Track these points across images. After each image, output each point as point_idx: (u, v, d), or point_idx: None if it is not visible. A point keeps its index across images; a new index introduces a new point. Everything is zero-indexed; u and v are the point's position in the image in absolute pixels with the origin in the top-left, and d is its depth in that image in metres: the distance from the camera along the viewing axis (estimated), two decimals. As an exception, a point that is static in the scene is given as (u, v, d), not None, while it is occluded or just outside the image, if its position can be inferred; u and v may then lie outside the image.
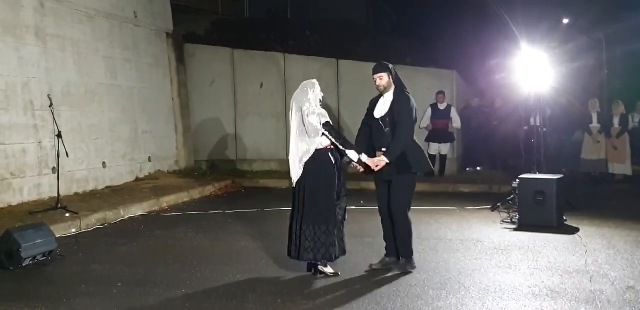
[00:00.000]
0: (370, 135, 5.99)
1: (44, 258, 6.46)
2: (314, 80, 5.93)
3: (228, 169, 13.81)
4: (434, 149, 12.67)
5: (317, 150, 5.73)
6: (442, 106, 12.57)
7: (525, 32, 10.28)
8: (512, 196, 8.78)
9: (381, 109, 5.93)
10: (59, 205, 8.55)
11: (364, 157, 5.76)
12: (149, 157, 12.53)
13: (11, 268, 6.14)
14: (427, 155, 6.03)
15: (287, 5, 20.53)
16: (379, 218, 6.05)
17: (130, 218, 9.08)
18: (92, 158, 10.77)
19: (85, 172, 10.57)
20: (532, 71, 8.99)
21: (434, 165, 11.98)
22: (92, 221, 8.42)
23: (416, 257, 6.01)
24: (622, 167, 12.26)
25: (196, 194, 11.25)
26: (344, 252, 5.85)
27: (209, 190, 11.73)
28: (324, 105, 5.97)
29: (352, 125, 13.11)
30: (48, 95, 9.09)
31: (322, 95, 5.89)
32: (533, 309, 4.82)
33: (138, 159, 12.17)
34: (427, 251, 6.69)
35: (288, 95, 13.59)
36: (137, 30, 12.38)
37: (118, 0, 11.77)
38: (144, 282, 5.70)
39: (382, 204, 5.98)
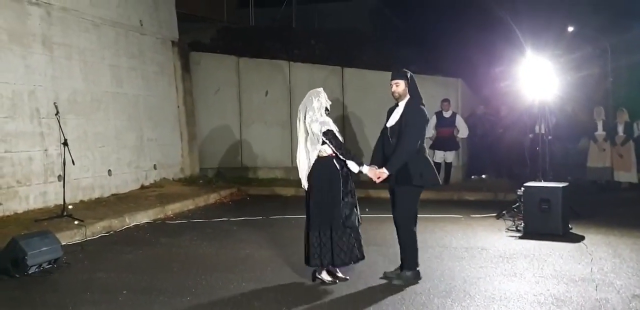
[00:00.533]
0: (383, 145, 5.95)
1: (50, 266, 6.48)
2: (320, 89, 5.97)
3: (233, 176, 13.82)
4: (439, 156, 12.66)
5: (321, 158, 5.78)
6: (447, 114, 12.58)
7: (530, 40, 10.29)
8: (518, 204, 8.77)
9: (394, 118, 5.89)
10: (65, 213, 8.57)
11: (365, 169, 5.76)
12: (155, 164, 12.56)
13: (17, 276, 6.16)
14: (434, 169, 5.85)
15: (292, 14, 20.60)
16: (385, 226, 6.05)
17: (135, 226, 9.09)
18: (98, 166, 10.81)
19: (91, 179, 10.60)
20: (537, 79, 9.00)
21: (438, 173, 12.02)
22: (97, 229, 8.43)
23: (421, 265, 5.98)
24: (627, 175, 12.23)
25: (201, 201, 11.26)
26: (357, 258, 5.81)
27: (214, 197, 11.74)
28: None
29: (357, 133, 13.16)
30: (54, 103, 9.15)
31: (330, 103, 5.93)
32: (538, 318, 4.82)
33: (143, 167, 12.20)
34: (432, 259, 6.68)
35: (293, 103, 13.67)
36: (142, 39, 12.45)
37: (124, 8, 11.85)
38: (149, 290, 5.71)
39: (393, 213, 5.94)
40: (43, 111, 9.57)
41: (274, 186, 12.93)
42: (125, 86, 11.77)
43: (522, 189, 8.32)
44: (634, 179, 12.27)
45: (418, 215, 5.90)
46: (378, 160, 5.89)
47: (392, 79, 5.92)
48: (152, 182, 12.38)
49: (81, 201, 10.19)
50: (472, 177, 13.72)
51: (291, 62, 14.04)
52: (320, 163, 5.78)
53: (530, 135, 11.78)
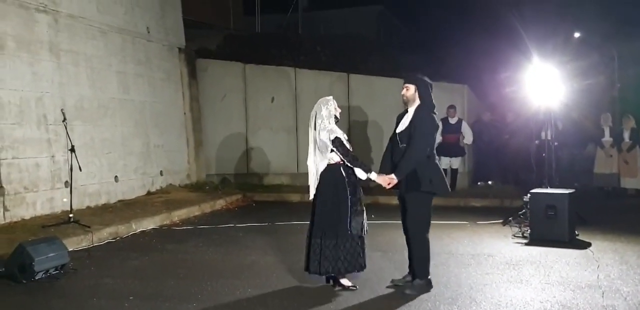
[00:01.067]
0: (392, 151, 5.90)
1: (57, 271, 6.49)
2: (329, 97, 5.98)
3: (239, 182, 13.85)
4: (445, 163, 12.64)
5: (330, 166, 5.80)
6: (452, 120, 12.59)
7: (537, 46, 10.30)
8: (524, 210, 8.75)
9: (403, 123, 5.85)
10: (72, 219, 8.60)
11: (373, 175, 5.75)
12: (161, 171, 12.60)
13: (24, 281, 6.18)
14: (444, 176, 5.76)
15: (298, 20, 20.69)
16: (392, 232, 6.02)
17: (141, 232, 9.12)
18: (105, 172, 10.85)
19: (98, 186, 10.64)
20: (544, 85, 8.99)
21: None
22: (104, 235, 8.46)
23: (427, 272, 5.98)
24: (633, 182, 12.19)
25: (207, 207, 11.28)
26: (361, 267, 5.80)
27: (220, 204, 11.76)
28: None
29: (363, 140, 13.16)
30: (61, 110, 9.19)
31: (339, 111, 5.95)
32: (545, 325, 4.80)
33: (150, 173, 12.24)
34: (438, 265, 6.65)
35: (299, 110, 13.71)
36: (149, 46, 12.52)
37: (131, 16, 11.92)
38: (156, 296, 5.72)
39: (403, 221, 5.91)
40: (50, 118, 9.62)
41: (279, 192, 12.94)
42: (132, 93, 11.82)
43: (529, 195, 8.30)
44: (641, 186, 12.23)
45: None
46: (387, 167, 5.85)
47: (404, 82, 5.89)
48: (158, 188, 12.42)
49: (88, 207, 10.23)
50: (479, 183, 13.71)
51: (297, 69, 14.08)
52: (328, 171, 5.80)
53: (537, 142, 11.78)
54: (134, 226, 9.13)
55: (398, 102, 5.91)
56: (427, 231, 5.75)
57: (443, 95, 12.77)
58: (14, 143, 8.96)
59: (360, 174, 5.75)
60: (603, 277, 6.12)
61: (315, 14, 22.93)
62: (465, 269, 6.58)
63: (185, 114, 13.76)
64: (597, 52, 15.87)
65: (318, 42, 16.08)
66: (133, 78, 11.91)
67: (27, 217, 9.05)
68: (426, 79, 5.86)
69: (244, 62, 14.29)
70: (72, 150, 8.77)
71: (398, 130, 5.86)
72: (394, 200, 5.96)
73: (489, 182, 13.63)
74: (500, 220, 9.32)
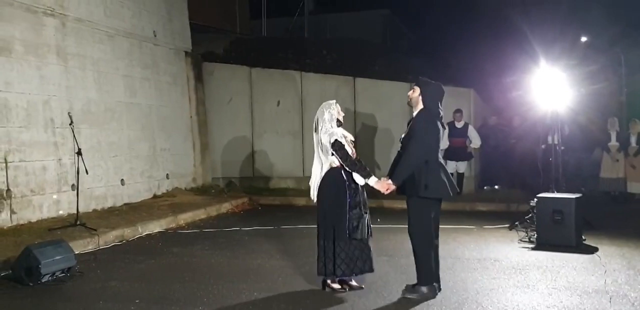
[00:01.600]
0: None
1: (63, 274, 6.51)
2: (332, 101, 6.02)
3: (245, 186, 13.87)
4: (451, 167, 12.63)
5: (331, 169, 5.86)
6: (459, 124, 12.57)
7: (543, 50, 10.28)
8: (530, 215, 8.73)
9: (407, 129, 5.85)
10: (78, 222, 8.61)
11: (371, 181, 5.75)
12: (167, 174, 12.62)
13: (30, 284, 6.20)
14: (445, 181, 5.62)
15: (304, 24, 20.72)
16: (397, 236, 6.00)
17: (147, 235, 9.13)
18: (111, 175, 10.88)
19: (104, 189, 10.67)
20: (550, 89, 8.97)
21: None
22: (110, 238, 8.47)
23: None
24: (640, 186, 12.14)
25: (213, 211, 11.29)
26: (360, 271, 5.83)
27: (225, 207, 11.77)
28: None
29: (369, 144, 13.17)
30: (68, 113, 9.22)
31: (343, 115, 5.99)
32: (552, 330, 4.78)
33: (156, 176, 12.26)
34: (445, 270, 6.61)
35: (305, 113, 13.72)
36: (156, 49, 12.55)
37: (138, 19, 11.96)
38: (162, 299, 5.72)
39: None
40: (57, 121, 9.66)
41: (285, 196, 12.95)
42: (138, 96, 11.86)
43: (535, 199, 8.28)
44: (647, 190, 12.17)
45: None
46: (392, 172, 5.86)
47: (414, 83, 5.89)
48: (164, 191, 12.44)
49: (94, 210, 10.25)
50: (485, 187, 13.68)
51: (303, 73, 14.11)
52: (329, 174, 5.86)
53: (543, 146, 11.74)
54: (140, 229, 9.14)
55: (404, 106, 5.90)
56: (431, 237, 5.67)
57: (449, 99, 12.60)
58: (21, 146, 8.99)
59: (358, 178, 5.77)
60: (610, 283, 6.09)
61: (321, 17, 22.96)
62: (471, 273, 6.55)
63: (191, 117, 13.79)
64: (604, 57, 15.82)
65: (324, 45, 16.11)
66: (140, 82, 11.94)
67: (34, 219, 9.07)
68: (435, 84, 5.79)
69: (250, 66, 14.33)
70: (79, 153, 8.79)
71: (402, 135, 5.86)
72: (400, 204, 5.94)
73: (496, 187, 13.60)
74: (507, 225, 9.30)
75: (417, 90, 5.76)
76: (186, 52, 13.73)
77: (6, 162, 8.72)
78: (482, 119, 13.91)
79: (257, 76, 14.25)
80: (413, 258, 5.79)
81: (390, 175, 5.76)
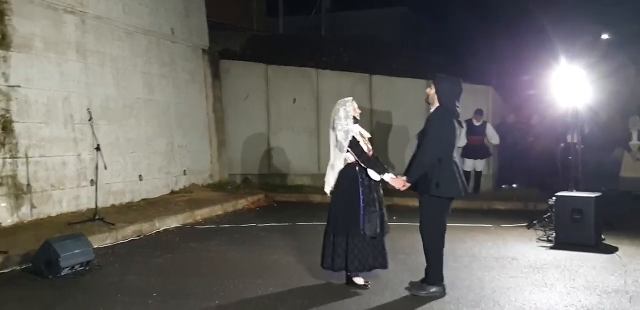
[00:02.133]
0: None
1: (82, 268, 6.58)
2: (348, 98, 6.04)
3: (261, 183, 13.90)
4: (469, 165, 12.58)
5: (346, 165, 5.89)
6: (477, 122, 12.51)
7: (563, 47, 10.18)
8: (549, 214, 8.65)
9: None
10: (97, 217, 8.69)
11: (387, 177, 5.75)
12: (184, 170, 12.69)
13: (50, 277, 6.28)
14: (458, 180, 5.56)
15: (320, 22, 20.71)
16: (414, 234, 5.94)
17: (165, 230, 9.19)
18: (129, 171, 10.95)
19: (122, 184, 10.74)
20: (570, 87, 8.87)
21: (468, 182, 11.90)
22: (128, 232, 8.54)
23: (450, 274, 5.92)
24: (661, 186, 11.99)
25: (229, 207, 11.33)
26: (370, 267, 5.85)
27: (241, 203, 11.81)
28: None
29: (385, 141, 13.13)
30: (87, 109, 9.31)
31: (359, 112, 6.00)
32: (570, 328, 4.74)
33: (173, 172, 12.33)
34: (461, 268, 6.61)
35: (321, 111, 13.72)
36: (174, 47, 12.61)
37: (156, 17, 12.02)
38: (178, 293, 5.76)
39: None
40: (76, 117, 9.73)
41: (301, 193, 12.95)
42: (156, 93, 11.92)
43: (554, 198, 8.20)
44: (668, 190, 12.01)
45: (447, 225, 5.73)
46: (408, 169, 5.83)
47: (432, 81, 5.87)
48: (181, 187, 12.50)
49: (112, 205, 10.34)
50: (503, 186, 13.59)
51: (319, 70, 14.09)
52: (345, 170, 5.88)
53: (562, 145, 11.64)
54: (157, 224, 9.20)
55: (421, 103, 5.87)
56: (442, 236, 5.63)
57: (467, 97, 12.48)
58: (40, 141, 9.08)
59: (373, 174, 5.76)
60: (630, 282, 6.03)
61: (337, 15, 22.93)
62: (488, 272, 6.51)
63: (208, 114, 13.84)
64: (625, 54, 15.63)
65: (340, 43, 16.07)
66: (157, 79, 12.00)
67: (53, 214, 9.16)
68: (452, 81, 5.73)
69: (267, 63, 14.33)
70: (98, 148, 8.87)
71: (417, 132, 5.83)
72: (416, 202, 5.92)
73: (513, 185, 13.51)
74: (525, 224, 9.23)
75: (433, 88, 5.72)
76: (203, 50, 13.77)
77: (27, 157, 8.81)
78: (500, 117, 13.81)
79: (274, 73, 14.26)
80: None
81: (406, 172, 5.75)
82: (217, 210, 10.91)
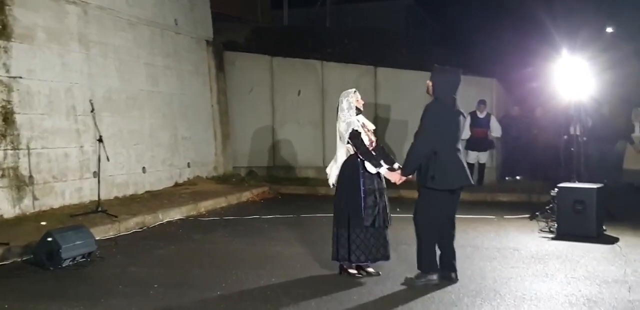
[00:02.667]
0: None
1: (84, 259, 6.60)
2: (351, 90, 6.07)
3: (265, 175, 13.91)
4: (473, 157, 12.55)
5: (349, 156, 5.92)
6: (481, 114, 12.47)
7: (566, 39, 10.12)
8: (551, 205, 8.63)
9: None
10: (99, 209, 8.71)
11: (383, 170, 5.77)
12: (188, 162, 12.70)
13: (51, 268, 6.30)
14: (455, 172, 5.54)
15: (325, 14, 20.64)
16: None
17: (168, 222, 9.21)
18: (132, 163, 10.97)
19: (126, 176, 10.76)
20: (574, 79, 8.83)
21: (472, 174, 11.87)
22: (131, 224, 8.56)
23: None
24: (663, 178, 11.94)
25: (233, 199, 11.34)
26: (375, 258, 5.88)
27: (246, 196, 11.82)
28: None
29: (389, 134, 13.10)
30: (90, 100, 9.30)
31: (362, 103, 6.03)
32: (570, 318, 4.74)
33: (177, 165, 12.34)
34: (463, 258, 6.60)
35: (326, 103, 13.70)
36: (177, 38, 12.60)
37: (160, 8, 12.00)
38: (180, 284, 5.77)
39: None
40: (79, 108, 9.74)
41: (305, 185, 12.95)
42: (160, 85, 11.92)
43: (556, 189, 8.19)
44: (671, 182, 11.96)
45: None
46: None
47: None
48: (185, 179, 12.52)
49: (116, 197, 10.36)
50: (506, 178, 13.56)
51: (324, 62, 14.05)
52: (347, 162, 5.93)
53: (565, 137, 11.58)
54: (160, 216, 9.22)
55: (426, 96, 5.84)
56: (434, 228, 5.64)
57: (471, 89, 12.65)
58: (43, 133, 9.10)
59: (369, 167, 5.79)
60: (630, 272, 6.03)
61: (343, 7, 22.82)
62: (490, 262, 6.52)
63: (212, 106, 13.84)
64: (628, 45, 15.52)
65: (345, 35, 16.02)
66: (161, 70, 12.00)
67: (56, 206, 9.18)
68: (448, 72, 5.68)
69: (271, 55, 14.30)
70: (100, 140, 8.89)
71: None
72: (416, 194, 5.93)
73: (517, 177, 13.48)
74: (528, 215, 9.22)
75: (429, 81, 5.70)
76: (207, 41, 13.75)
77: (29, 149, 8.83)
78: (504, 109, 13.76)
79: (278, 65, 14.23)
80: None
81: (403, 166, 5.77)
82: (221, 202, 10.93)
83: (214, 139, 13.83)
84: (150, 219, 8.99)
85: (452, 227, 5.80)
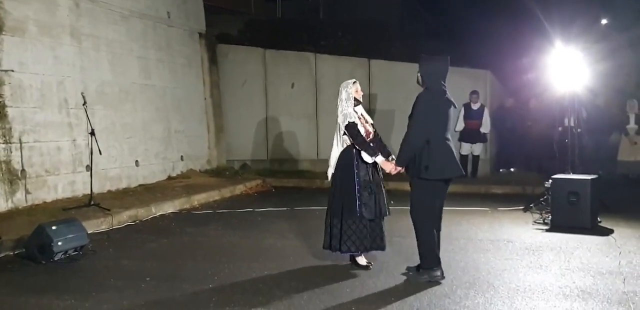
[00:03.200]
0: None
1: (76, 253, 6.56)
2: (350, 81, 6.06)
3: (259, 168, 13.87)
4: (466, 149, 12.54)
5: (346, 147, 5.92)
6: (475, 106, 12.44)
7: (560, 30, 10.10)
8: (545, 196, 8.63)
9: None
10: (92, 202, 8.66)
11: (379, 159, 5.75)
12: (182, 156, 12.65)
13: (43, 262, 6.26)
14: (447, 162, 5.45)
15: (319, 6, 20.53)
16: (410, 218, 5.84)
17: (161, 215, 9.18)
18: (125, 156, 10.91)
19: (119, 170, 10.71)
20: (568, 71, 8.81)
21: (465, 166, 11.88)
22: (123, 218, 8.52)
23: (445, 256, 5.91)
24: (659, 169, 11.96)
25: (227, 192, 11.31)
26: (365, 249, 5.88)
27: (239, 189, 11.78)
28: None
29: (384, 126, 13.05)
30: (82, 94, 9.21)
31: (361, 94, 6.04)
32: (563, 309, 4.73)
33: (170, 158, 12.29)
34: (457, 250, 6.61)
35: (319, 96, 13.66)
36: (170, 31, 12.51)
37: (152, 0, 11.90)
38: (173, 277, 5.75)
39: None
40: (71, 102, 9.67)
41: (299, 178, 12.93)
42: (153, 78, 11.84)
43: (550, 181, 8.18)
44: (666, 173, 11.99)
45: (443, 208, 5.67)
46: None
47: None
48: (179, 173, 12.47)
49: (108, 191, 10.30)
50: (500, 170, 13.56)
51: (317, 54, 14.00)
52: (344, 153, 5.93)
53: (560, 128, 11.58)
54: (153, 210, 9.19)
55: (419, 88, 5.80)
56: (434, 220, 5.57)
57: (466, 81, 12.64)
58: (35, 126, 9.03)
59: (365, 157, 5.77)
60: (625, 264, 6.02)
61: (337, -1, 22.72)
62: (483, 254, 6.51)
63: (205, 99, 13.77)
64: (623, 36, 15.52)
65: (339, 27, 15.92)
66: (154, 63, 11.92)
67: (49, 199, 9.12)
68: (435, 61, 5.61)
69: (265, 48, 14.23)
70: (92, 133, 8.82)
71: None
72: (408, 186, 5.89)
73: (511, 169, 13.48)
74: (522, 207, 9.21)
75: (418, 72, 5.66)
76: (200, 34, 13.68)
77: (21, 143, 8.76)
78: (498, 101, 13.74)
79: (272, 58, 14.18)
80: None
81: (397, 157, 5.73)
82: (214, 195, 10.89)
83: (207, 132, 13.77)
84: (143, 213, 8.95)
85: (439, 218, 5.70)
